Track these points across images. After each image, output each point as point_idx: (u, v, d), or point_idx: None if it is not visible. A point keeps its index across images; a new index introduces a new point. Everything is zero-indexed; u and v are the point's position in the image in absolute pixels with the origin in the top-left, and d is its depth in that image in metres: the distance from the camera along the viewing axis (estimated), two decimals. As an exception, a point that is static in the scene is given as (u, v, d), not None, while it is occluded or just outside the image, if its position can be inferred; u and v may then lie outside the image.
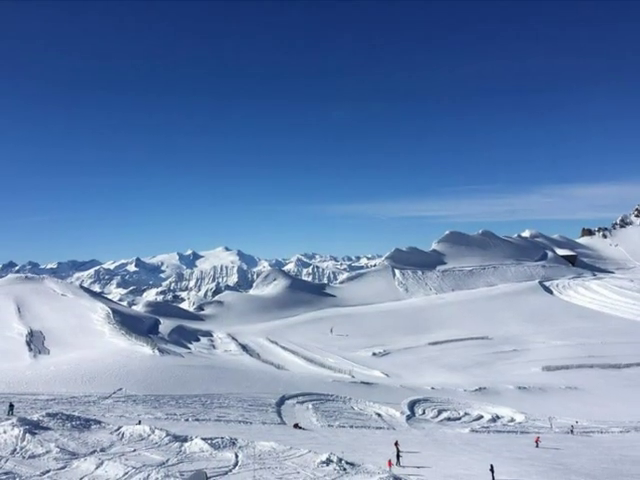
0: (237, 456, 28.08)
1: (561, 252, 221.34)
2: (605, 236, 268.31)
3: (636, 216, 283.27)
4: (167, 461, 29.48)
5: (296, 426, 46.42)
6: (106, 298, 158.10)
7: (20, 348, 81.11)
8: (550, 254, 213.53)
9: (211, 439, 35.58)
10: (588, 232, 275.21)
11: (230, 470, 22.53)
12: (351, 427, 48.57)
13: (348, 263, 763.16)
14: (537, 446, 45.33)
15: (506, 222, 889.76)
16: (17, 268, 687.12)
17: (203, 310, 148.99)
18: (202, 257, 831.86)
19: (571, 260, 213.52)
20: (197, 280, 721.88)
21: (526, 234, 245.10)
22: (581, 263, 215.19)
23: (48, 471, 23.83)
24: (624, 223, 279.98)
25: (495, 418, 60.15)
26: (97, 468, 24.75)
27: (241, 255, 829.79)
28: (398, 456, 35.06)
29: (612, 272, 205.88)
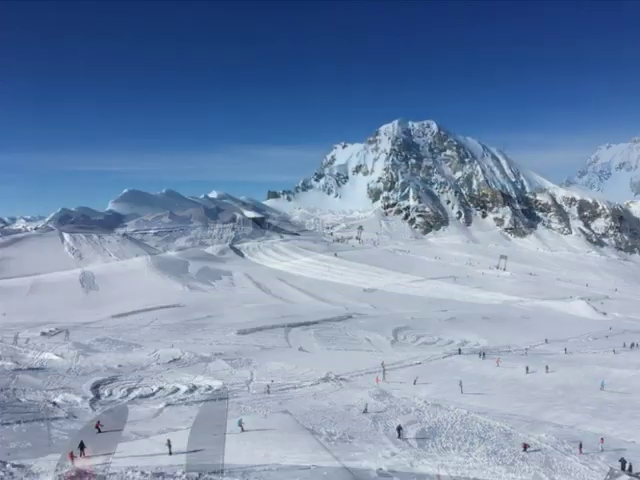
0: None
1: (249, 214, 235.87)
2: (289, 199, 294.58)
3: (315, 180, 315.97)
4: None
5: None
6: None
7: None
8: (239, 216, 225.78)
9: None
10: (274, 194, 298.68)
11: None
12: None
13: None
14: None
15: (191, 181, 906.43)
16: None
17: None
18: None
19: (259, 222, 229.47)
20: None
21: (213, 195, 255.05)
22: (269, 225, 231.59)
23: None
24: (305, 186, 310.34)
25: (192, 388, 60.16)
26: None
27: None
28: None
29: (297, 234, 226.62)
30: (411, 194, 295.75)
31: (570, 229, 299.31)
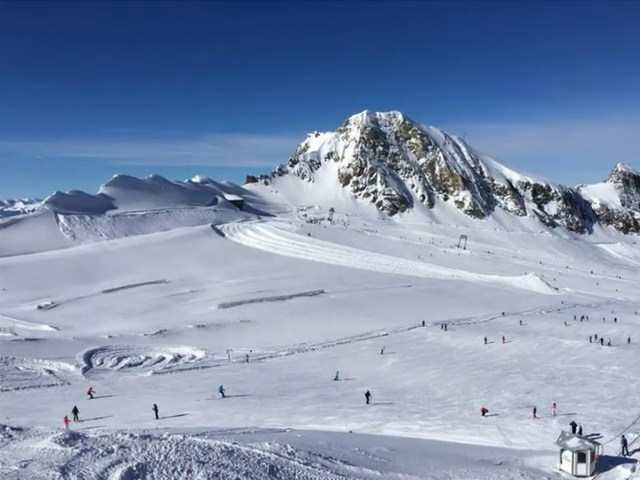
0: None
1: (229, 197, 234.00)
2: (267, 183, 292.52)
3: (291, 166, 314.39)
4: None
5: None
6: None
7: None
8: (220, 199, 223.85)
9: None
10: (252, 179, 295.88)
11: None
12: (17, 389, 45.14)
13: None
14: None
15: (176, 167, 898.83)
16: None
17: None
18: None
19: (239, 205, 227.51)
20: None
21: (196, 180, 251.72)
22: (247, 207, 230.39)
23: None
24: (281, 172, 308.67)
25: (177, 358, 60.82)
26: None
27: None
28: (75, 411, 35.01)
29: (274, 215, 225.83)
30: (378, 179, 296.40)
31: (525, 211, 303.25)
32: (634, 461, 24.68)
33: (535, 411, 36.65)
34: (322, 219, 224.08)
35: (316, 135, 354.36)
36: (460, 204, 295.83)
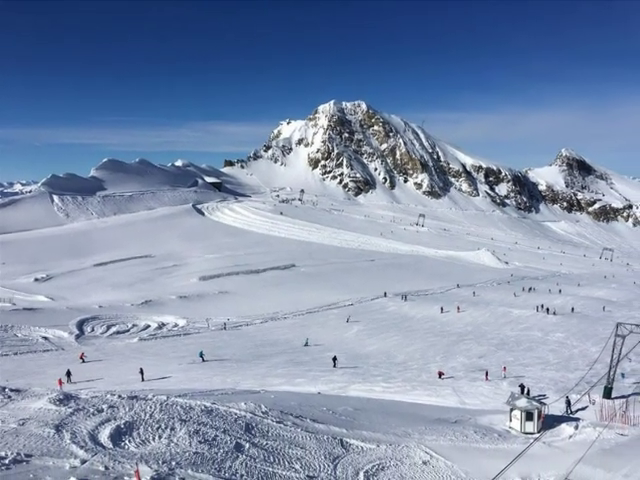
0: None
1: (209, 179, 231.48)
2: (243, 167, 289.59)
3: (264, 151, 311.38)
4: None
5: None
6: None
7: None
8: (200, 181, 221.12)
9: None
10: (229, 163, 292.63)
11: None
12: (15, 354, 44.47)
13: None
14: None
15: (160, 152, 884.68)
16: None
17: None
18: None
19: (217, 186, 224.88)
20: None
21: (179, 163, 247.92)
22: (225, 189, 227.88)
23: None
24: (256, 156, 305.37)
25: (161, 325, 60.54)
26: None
27: None
28: (69, 374, 34.72)
29: (249, 196, 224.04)
30: (344, 163, 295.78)
31: (478, 192, 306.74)
32: (577, 419, 25.37)
33: (487, 374, 36.98)
34: (293, 199, 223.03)
35: (288, 123, 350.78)
36: (419, 186, 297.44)
